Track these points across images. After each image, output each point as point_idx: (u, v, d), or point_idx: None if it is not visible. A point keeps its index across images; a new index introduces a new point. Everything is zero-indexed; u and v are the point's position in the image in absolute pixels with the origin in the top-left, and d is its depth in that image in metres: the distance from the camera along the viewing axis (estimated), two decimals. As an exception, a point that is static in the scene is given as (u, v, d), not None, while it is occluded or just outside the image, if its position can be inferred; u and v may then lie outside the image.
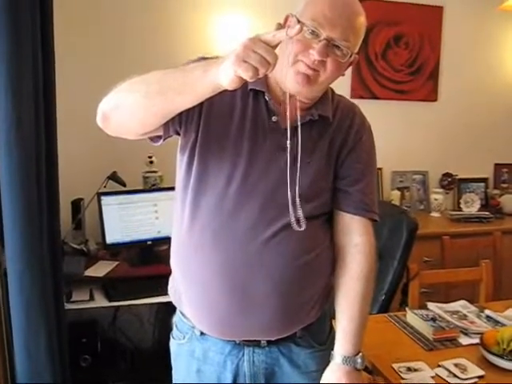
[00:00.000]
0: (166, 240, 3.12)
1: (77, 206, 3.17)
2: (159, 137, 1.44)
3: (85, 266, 2.91)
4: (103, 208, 2.99)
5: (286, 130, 1.32)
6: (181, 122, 1.41)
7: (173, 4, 3.46)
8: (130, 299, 2.82)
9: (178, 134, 1.45)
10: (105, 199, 3.00)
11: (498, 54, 4.44)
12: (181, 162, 1.52)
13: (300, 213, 1.31)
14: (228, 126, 1.42)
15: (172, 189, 3.13)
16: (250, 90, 1.43)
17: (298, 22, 1.27)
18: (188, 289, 1.52)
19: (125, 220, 3.03)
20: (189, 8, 3.48)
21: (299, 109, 1.39)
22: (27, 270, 2.10)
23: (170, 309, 3.01)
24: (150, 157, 3.25)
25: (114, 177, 3.13)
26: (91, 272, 2.86)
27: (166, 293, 2.86)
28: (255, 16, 3.53)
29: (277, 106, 1.43)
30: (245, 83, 1.13)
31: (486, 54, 4.41)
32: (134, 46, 3.43)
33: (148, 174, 3.27)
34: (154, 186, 3.25)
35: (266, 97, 1.43)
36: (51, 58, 2.29)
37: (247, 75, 1.06)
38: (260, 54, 1.06)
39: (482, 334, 2.08)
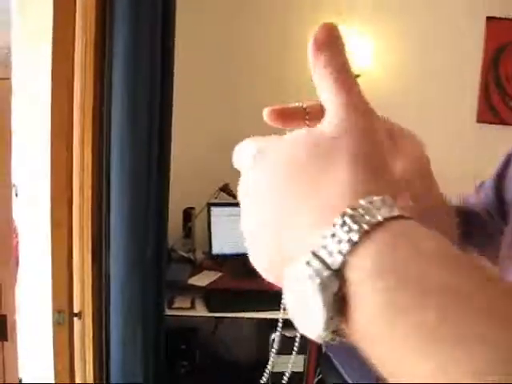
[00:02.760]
0: (272, 255, 3.13)
1: (188, 214, 3.23)
2: None
3: (190, 274, 2.96)
4: (212, 219, 3.03)
5: None
6: None
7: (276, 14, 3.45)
8: (230, 311, 2.82)
9: None
10: (214, 210, 3.04)
11: None
12: None
13: None
14: None
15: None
16: None
17: None
18: None
19: (232, 232, 3.04)
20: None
21: None
22: (129, 274, 2.15)
23: (270, 325, 3.01)
24: (263, 170, 3.24)
25: (225, 189, 3.16)
26: (195, 281, 2.89)
27: (266, 308, 2.88)
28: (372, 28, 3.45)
29: None
30: None
31: None
32: (260, 59, 3.45)
33: (259, 188, 3.26)
34: (264, 200, 3.23)
35: None
36: (171, 57, 2.35)
37: None
38: None
39: None
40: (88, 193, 1.99)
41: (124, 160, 2.09)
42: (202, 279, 2.92)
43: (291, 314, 0.38)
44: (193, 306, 2.82)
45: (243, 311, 2.85)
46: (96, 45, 1.98)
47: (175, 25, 2.37)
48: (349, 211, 0.34)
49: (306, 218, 0.37)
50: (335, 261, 0.34)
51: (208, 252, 3.07)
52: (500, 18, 3.72)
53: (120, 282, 2.15)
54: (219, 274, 2.99)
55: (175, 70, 2.46)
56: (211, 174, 3.29)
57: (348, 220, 0.34)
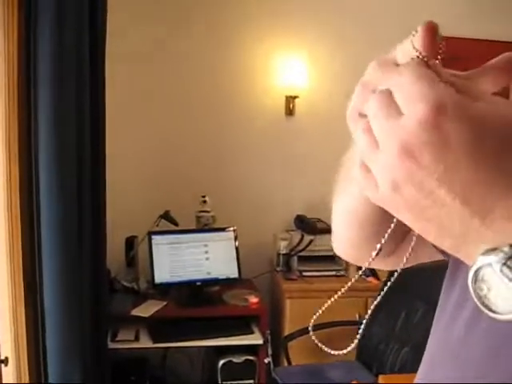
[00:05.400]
0: (216, 281, 3.13)
1: (130, 243, 3.18)
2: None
3: (133, 304, 2.90)
4: (153, 247, 2.99)
5: None
6: None
7: (237, 39, 3.46)
8: (175, 341, 2.78)
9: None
10: (155, 238, 3.00)
11: None
12: None
13: None
14: None
15: (224, 229, 3.16)
16: None
17: None
18: None
19: (175, 260, 3.01)
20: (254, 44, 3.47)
21: None
22: (65, 310, 2.10)
23: (217, 352, 2.98)
24: (204, 196, 3.23)
25: (166, 216, 3.13)
26: (138, 311, 2.84)
27: (213, 335, 2.86)
28: (322, 52, 3.49)
29: None
30: None
31: None
32: (193, 80, 3.44)
33: (201, 214, 3.25)
34: (206, 225, 3.22)
35: None
36: (101, 86, 2.33)
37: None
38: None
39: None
40: (17, 230, 1.94)
41: (53, 193, 2.04)
42: (146, 309, 2.86)
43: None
44: (137, 338, 2.77)
45: (189, 340, 2.82)
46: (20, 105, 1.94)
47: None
48: None
49: None
50: None
51: (151, 281, 3.02)
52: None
53: (56, 322, 2.09)
54: (163, 303, 2.94)
55: (107, 97, 2.44)
56: (153, 201, 3.26)
57: None
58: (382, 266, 0.84)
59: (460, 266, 0.65)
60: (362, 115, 0.46)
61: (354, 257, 0.87)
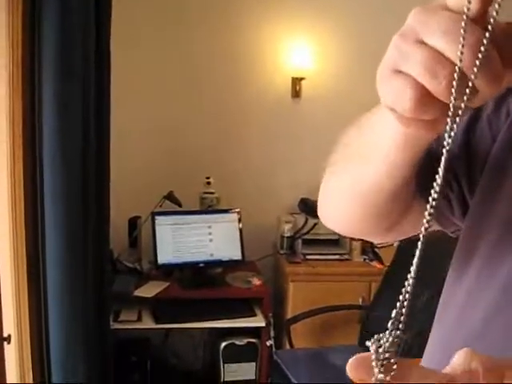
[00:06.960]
0: (219, 263, 3.12)
1: (134, 223, 3.17)
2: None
3: (136, 285, 2.90)
4: (156, 228, 2.97)
5: None
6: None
7: (244, 21, 3.41)
8: (177, 322, 2.78)
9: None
10: (159, 219, 2.98)
11: None
12: None
13: None
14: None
15: (227, 211, 3.15)
16: None
17: None
18: None
19: (178, 241, 2.99)
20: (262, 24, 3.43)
21: None
22: (68, 290, 2.09)
23: (220, 334, 2.98)
24: (208, 177, 3.21)
25: (170, 196, 3.11)
26: (141, 292, 2.83)
27: (216, 317, 2.86)
28: (331, 39, 3.44)
29: None
30: None
31: None
32: (198, 60, 3.40)
33: (205, 195, 3.23)
34: (210, 207, 3.20)
35: None
36: (106, 68, 2.30)
37: (398, 110, 0.43)
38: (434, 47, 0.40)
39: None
40: (20, 209, 1.92)
41: (57, 172, 2.02)
42: (149, 290, 2.86)
43: None
44: (139, 319, 2.77)
45: (191, 322, 2.81)
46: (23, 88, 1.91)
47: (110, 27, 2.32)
48: None
49: None
50: None
51: (154, 262, 3.01)
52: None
53: (58, 300, 2.08)
54: (166, 284, 2.93)
55: (113, 77, 2.40)
56: (157, 182, 3.24)
57: None
58: (386, 239, 0.85)
59: (474, 252, 0.64)
60: (397, 72, 0.41)
61: (353, 231, 0.86)
